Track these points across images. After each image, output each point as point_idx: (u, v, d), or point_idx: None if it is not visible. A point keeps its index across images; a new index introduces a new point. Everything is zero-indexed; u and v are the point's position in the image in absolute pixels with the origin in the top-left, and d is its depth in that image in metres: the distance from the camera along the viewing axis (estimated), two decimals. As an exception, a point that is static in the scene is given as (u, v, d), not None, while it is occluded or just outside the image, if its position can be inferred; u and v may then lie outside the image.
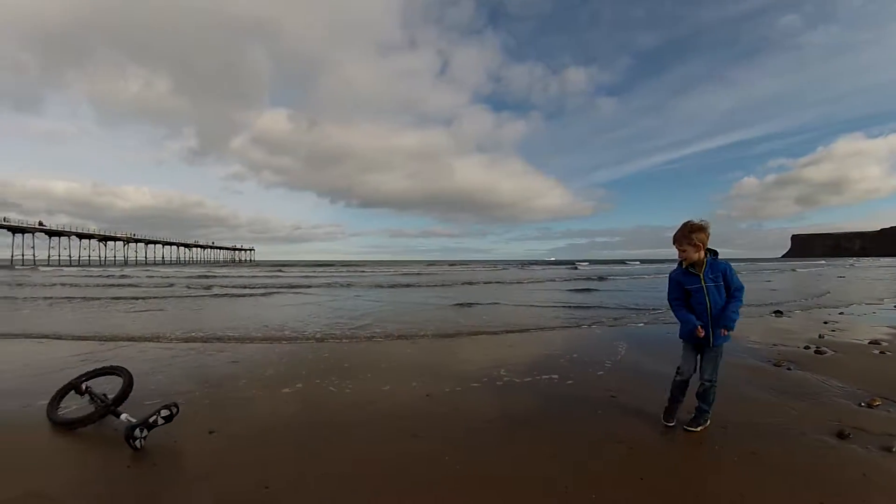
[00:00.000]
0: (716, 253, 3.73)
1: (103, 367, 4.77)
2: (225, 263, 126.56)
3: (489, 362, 6.39)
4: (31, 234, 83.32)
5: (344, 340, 8.29)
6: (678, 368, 3.88)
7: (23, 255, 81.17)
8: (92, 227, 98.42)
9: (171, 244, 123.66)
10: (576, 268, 64.82)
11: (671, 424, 3.86)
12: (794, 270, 46.32)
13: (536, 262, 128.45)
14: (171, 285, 26.79)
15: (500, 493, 2.88)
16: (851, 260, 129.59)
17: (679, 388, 3.88)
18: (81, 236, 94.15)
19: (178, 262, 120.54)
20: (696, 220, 3.67)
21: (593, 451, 3.48)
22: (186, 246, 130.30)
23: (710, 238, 3.68)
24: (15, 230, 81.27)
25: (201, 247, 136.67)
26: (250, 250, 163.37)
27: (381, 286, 25.78)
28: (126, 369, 4.52)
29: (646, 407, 4.40)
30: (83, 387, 4.40)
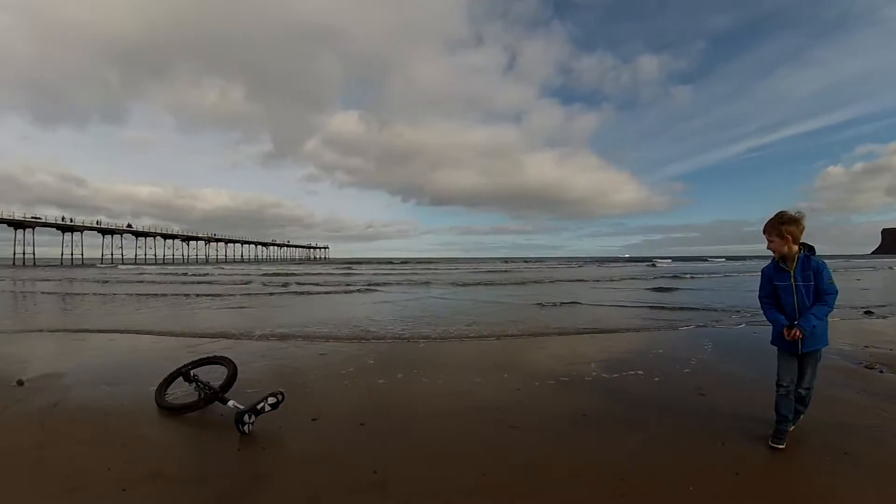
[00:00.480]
0: (812, 250, 3.38)
1: (208, 357, 4.96)
2: (300, 261, 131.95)
3: (576, 359, 6.26)
4: (119, 235, 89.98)
5: (433, 339, 8.26)
6: (779, 381, 3.46)
7: (112, 255, 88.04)
8: (175, 228, 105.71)
9: (248, 243, 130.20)
10: (654, 265, 62.46)
11: (780, 447, 3.35)
12: (890, 269, 42.26)
13: (613, 259, 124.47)
14: (250, 283, 27.82)
15: (600, 481, 2.89)
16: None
17: (786, 404, 3.44)
18: (165, 237, 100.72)
19: (256, 260, 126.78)
20: (791, 212, 3.35)
21: (687, 445, 3.43)
22: (264, 245, 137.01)
23: (803, 233, 3.35)
24: (105, 231, 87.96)
25: (278, 245, 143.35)
26: (324, 248, 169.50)
27: (460, 284, 25.68)
28: (230, 359, 4.68)
29: (736, 406, 4.28)
30: (191, 374, 4.58)
